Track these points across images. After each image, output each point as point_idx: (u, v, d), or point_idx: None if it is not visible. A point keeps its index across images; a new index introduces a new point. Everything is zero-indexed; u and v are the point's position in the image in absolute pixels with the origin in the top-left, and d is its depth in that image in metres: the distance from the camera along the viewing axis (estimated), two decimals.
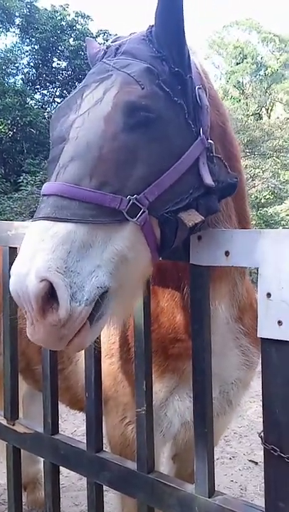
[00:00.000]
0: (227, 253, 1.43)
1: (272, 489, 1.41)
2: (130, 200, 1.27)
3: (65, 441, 1.94)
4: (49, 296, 1.16)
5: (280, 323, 1.29)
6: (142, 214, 1.29)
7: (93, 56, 1.68)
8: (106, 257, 1.24)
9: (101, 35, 21.45)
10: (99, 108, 1.34)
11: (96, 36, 21.37)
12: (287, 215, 20.01)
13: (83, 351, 1.95)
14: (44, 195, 1.29)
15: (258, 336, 1.35)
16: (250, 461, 4.23)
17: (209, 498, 1.52)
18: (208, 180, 1.45)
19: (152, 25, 1.51)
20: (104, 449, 1.87)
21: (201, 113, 1.48)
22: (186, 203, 1.40)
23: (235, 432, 4.76)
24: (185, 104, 1.43)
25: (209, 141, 1.48)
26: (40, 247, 1.18)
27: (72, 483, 3.75)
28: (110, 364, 1.88)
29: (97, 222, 1.24)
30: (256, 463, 4.10)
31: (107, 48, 1.57)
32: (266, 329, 1.32)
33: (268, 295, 1.31)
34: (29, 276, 1.15)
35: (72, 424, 4.68)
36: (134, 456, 1.74)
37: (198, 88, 1.49)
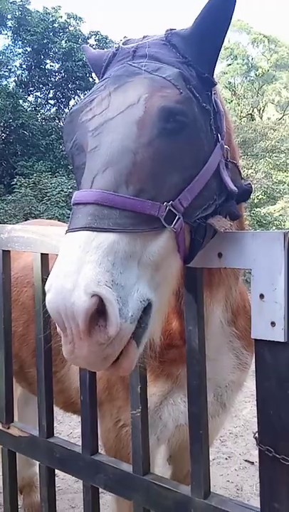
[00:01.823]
0: (220, 255, 1.44)
1: (267, 490, 1.41)
2: (167, 206, 1.24)
3: (61, 444, 1.94)
4: (98, 311, 1.10)
5: (273, 324, 1.30)
6: (177, 220, 1.26)
7: (97, 58, 1.64)
8: (143, 267, 1.20)
9: (93, 37, 21.46)
10: (133, 112, 1.29)
11: (88, 38, 21.38)
12: (280, 215, 20.11)
13: None
14: (80, 203, 1.22)
15: (252, 337, 1.35)
16: (245, 461, 4.24)
17: (205, 499, 1.52)
18: (231, 185, 1.44)
19: (171, 30, 1.49)
20: (99, 451, 1.87)
21: (220, 119, 1.47)
22: (213, 209, 1.40)
23: (230, 432, 4.77)
24: (210, 110, 1.42)
25: (226, 146, 1.48)
26: (86, 259, 1.11)
27: (69, 485, 3.75)
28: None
29: (137, 231, 1.19)
30: (252, 463, 4.11)
31: (116, 50, 1.54)
32: (259, 330, 1.32)
33: (261, 296, 1.31)
34: (77, 292, 1.08)
35: (68, 426, 4.68)
36: (129, 459, 1.74)
37: (214, 94, 1.48)
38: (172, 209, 1.26)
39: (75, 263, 1.11)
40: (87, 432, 1.83)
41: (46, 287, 1.15)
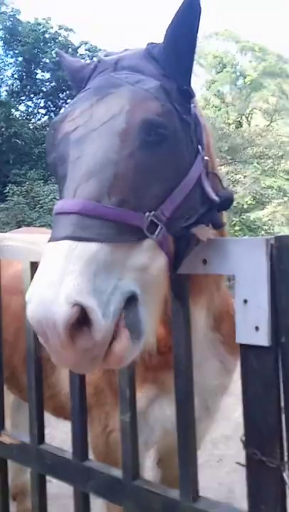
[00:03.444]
0: (204, 261, 1.46)
1: (254, 492, 1.44)
2: (149, 216, 1.26)
3: (51, 450, 1.94)
4: (79, 321, 1.10)
5: (257, 328, 1.32)
6: (160, 230, 1.28)
7: (76, 69, 1.66)
8: (128, 270, 1.21)
9: (82, 46, 21.58)
10: (115, 123, 1.30)
11: (78, 47, 21.51)
12: (269, 219, 20.22)
13: None
14: (62, 212, 1.22)
15: (236, 341, 1.37)
16: (237, 463, 4.23)
17: (193, 502, 1.53)
18: (212, 195, 1.46)
19: (152, 43, 1.51)
20: (89, 457, 1.88)
21: (200, 130, 1.50)
22: (196, 219, 1.42)
23: (222, 434, 4.77)
24: (191, 122, 1.44)
25: (206, 157, 1.50)
26: (68, 269, 1.11)
27: (62, 491, 3.73)
28: (91, 373, 1.88)
29: (119, 241, 1.20)
30: (244, 465, 4.09)
31: (98, 62, 1.55)
32: (244, 335, 1.34)
33: (245, 301, 1.33)
34: (57, 302, 1.08)
35: (62, 432, 4.65)
36: (118, 464, 1.75)
37: (194, 106, 1.50)
38: (154, 219, 1.27)
39: (57, 273, 1.11)
40: (78, 438, 1.84)
41: (27, 297, 1.15)
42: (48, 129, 1.53)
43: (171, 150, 1.35)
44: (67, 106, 1.50)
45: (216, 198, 1.47)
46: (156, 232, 1.28)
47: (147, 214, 1.26)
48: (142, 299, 1.24)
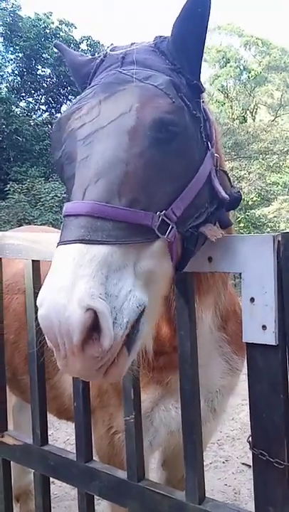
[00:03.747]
0: (210, 259, 1.44)
1: (261, 494, 1.41)
2: (160, 216, 1.23)
3: (55, 451, 1.92)
4: (93, 327, 1.07)
5: (264, 327, 1.30)
6: (171, 230, 1.25)
7: (81, 64, 1.60)
8: (138, 276, 1.18)
9: (84, 41, 21.51)
10: (124, 122, 1.26)
11: (80, 43, 21.43)
12: (274, 216, 20.16)
13: None
14: (71, 215, 1.19)
15: (243, 340, 1.35)
16: (243, 464, 4.23)
17: (199, 504, 1.51)
18: (222, 193, 1.43)
19: (160, 37, 1.47)
20: (93, 458, 1.86)
21: (209, 126, 1.46)
22: (205, 218, 1.39)
23: (228, 435, 4.76)
24: (200, 118, 1.41)
25: (216, 154, 1.47)
26: (79, 273, 1.08)
27: (66, 492, 3.73)
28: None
29: (131, 242, 1.17)
30: (250, 466, 4.09)
31: (104, 56, 1.51)
32: (251, 334, 1.32)
33: (252, 300, 1.31)
34: (71, 306, 1.05)
35: (65, 433, 4.66)
36: (123, 465, 1.74)
37: (202, 101, 1.46)
38: (165, 218, 1.24)
39: (69, 277, 1.08)
40: (81, 439, 1.82)
41: (38, 302, 1.12)
42: (53, 125, 1.48)
43: (181, 147, 1.31)
44: (72, 102, 1.45)
45: (226, 196, 1.44)
46: (168, 232, 1.24)
47: (158, 213, 1.23)
48: (147, 310, 1.21)
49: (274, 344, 1.29)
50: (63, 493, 3.72)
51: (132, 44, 1.53)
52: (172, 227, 1.25)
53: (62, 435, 4.60)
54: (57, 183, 15.54)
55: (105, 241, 1.14)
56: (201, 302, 1.67)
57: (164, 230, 1.23)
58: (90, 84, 1.49)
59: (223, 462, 4.32)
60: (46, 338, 1.14)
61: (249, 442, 1.42)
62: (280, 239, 1.29)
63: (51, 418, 2.44)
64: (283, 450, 1.34)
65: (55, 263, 1.14)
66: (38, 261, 1.92)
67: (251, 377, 1.37)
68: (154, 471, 2.46)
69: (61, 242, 1.16)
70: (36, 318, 1.87)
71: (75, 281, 1.07)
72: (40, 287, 1.92)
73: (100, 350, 1.08)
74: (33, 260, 1.92)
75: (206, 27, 1.40)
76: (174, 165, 1.29)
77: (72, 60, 1.66)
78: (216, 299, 1.78)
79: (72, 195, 1.24)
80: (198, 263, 1.46)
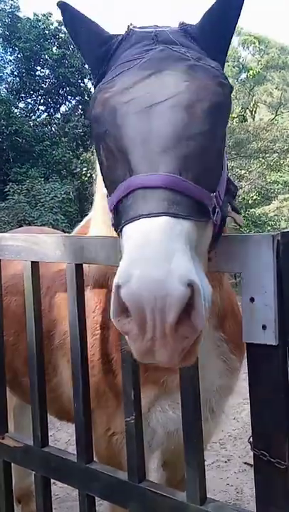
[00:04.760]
0: (210, 259, 1.42)
1: (263, 494, 1.41)
2: (213, 197, 1.20)
3: (56, 453, 1.92)
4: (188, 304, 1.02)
5: (264, 327, 1.29)
6: (218, 212, 1.22)
7: (99, 36, 1.49)
8: (201, 257, 1.15)
9: None
10: (188, 99, 1.23)
11: None
12: (275, 215, 20.17)
13: (67, 361, 1.93)
14: (148, 187, 1.12)
15: (243, 340, 1.35)
16: (245, 463, 4.22)
17: (201, 505, 1.51)
18: (230, 179, 1.45)
19: (184, 23, 1.45)
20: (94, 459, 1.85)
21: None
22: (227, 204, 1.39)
23: (230, 434, 4.76)
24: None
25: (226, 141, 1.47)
26: (173, 247, 1.02)
27: (68, 493, 3.72)
28: (91, 376, 1.84)
29: (202, 221, 1.14)
30: (252, 465, 4.07)
31: (128, 34, 1.43)
32: (251, 334, 1.32)
33: (252, 300, 1.31)
34: (170, 282, 0.98)
35: (67, 433, 4.65)
36: (121, 467, 1.73)
37: None
38: (215, 200, 1.22)
39: (163, 251, 1.01)
40: (82, 440, 1.81)
41: (122, 277, 1.03)
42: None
43: (225, 132, 1.33)
44: (109, 76, 1.36)
45: (237, 185, 1.47)
46: (216, 214, 1.22)
47: (213, 194, 1.21)
48: None
49: (274, 344, 1.28)
50: (65, 494, 3.71)
51: (155, 25, 1.48)
52: (218, 210, 1.23)
53: (63, 436, 4.60)
54: (56, 183, 15.56)
55: (187, 216, 1.10)
56: None
57: (213, 212, 1.21)
58: (111, 57, 1.43)
59: (225, 462, 4.31)
60: (117, 321, 1.06)
61: (250, 442, 1.41)
62: (279, 238, 1.28)
63: (53, 419, 2.43)
64: (284, 450, 1.33)
65: (139, 236, 1.07)
66: (37, 262, 1.91)
67: (251, 377, 1.36)
68: (154, 471, 2.45)
69: (144, 215, 1.09)
70: (36, 318, 1.88)
71: (170, 255, 1.01)
72: (38, 288, 1.93)
73: (192, 330, 1.03)
74: (32, 261, 1.91)
75: (238, 18, 1.41)
76: (221, 148, 1.30)
77: (87, 28, 1.52)
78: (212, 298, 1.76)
79: (135, 168, 1.18)
80: None
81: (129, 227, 1.11)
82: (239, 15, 1.41)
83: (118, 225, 1.22)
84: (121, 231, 1.17)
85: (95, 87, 1.46)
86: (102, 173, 1.37)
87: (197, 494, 1.51)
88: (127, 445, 1.68)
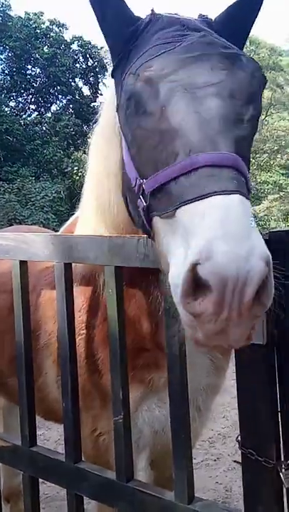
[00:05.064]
0: None
1: (251, 493, 1.41)
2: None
3: (44, 453, 1.91)
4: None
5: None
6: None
7: (126, 17, 1.50)
8: None
9: (76, 42, 21.45)
10: (237, 84, 1.26)
11: (71, 43, 21.37)
12: (265, 215, 20.25)
13: (52, 361, 1.93)
14: (216, 165, 1.12)
15: None
16: (234, 461, 4.23)
17: (189, 504, 1.51)
18: None
19: (204, 15, 1.50)
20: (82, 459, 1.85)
21: None
22: None
23: (219, 433, 4.77)
24: None
25: None
26: (250, 224, 1.04)
27: (57, 492, 3.71)
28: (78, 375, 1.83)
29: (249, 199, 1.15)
30: (241, 463, 4.10)
31: (152, 18, 1.45)
32: None
33: None
34: (253, 259, 0.98)
35: (57, 432, 4.64)
36: (108, 467, 1.73)
37: None
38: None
39: (245, 228, 1.02)
40: (70, 440, 1.80)
41: (204, 253, 1.00)
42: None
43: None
44: (147, 56, 1.34)
45: None
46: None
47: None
48: None
49: (262, 343, 1.29)
50: (54, 493, 3.70)
51: (176, 14, 1.51)
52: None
53: (53, 435, 4.58)
54: (47, 182, 15.53)
55: (248, 196, 1.12)
56: None
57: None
58: (137, 38, 1.44)
59: (215, 460, 4.32)
60: (186, 304, 1.04)
61: (238, 441, 1.42)
62: (267, 238, 1.29)
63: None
64: (272, 449, 1.34)
65: (219, 212, 1.05)
66: (26, 261, 1.91)
67: (239, 376, 1.37)
68: (142, 471, 2.45)
69: (219, 192, 1.08)
70: (24, 317, 1.87)
71: (249, 232, 1.02)
72: (27, 287, 1.91)
73: (262, 308, 1.04)
74: (20, 261, 1.90)
75: (256, 16, 1.51)
76: (252, 136, 1.34)
77: (118, 6, 1.51)
78: None
79: (195, 146, 1.15)
80: None
81: (201, 203, 1.08)
82: (257, 14, 1.51)
83: (168, 205, 1.18)
84: (176, 210, 1.14)
85: (116, 66, 1.49)
86: (133, 154, 1.35)
87: (185, 493, 1.51)
88: (115, 445, 1.67)
